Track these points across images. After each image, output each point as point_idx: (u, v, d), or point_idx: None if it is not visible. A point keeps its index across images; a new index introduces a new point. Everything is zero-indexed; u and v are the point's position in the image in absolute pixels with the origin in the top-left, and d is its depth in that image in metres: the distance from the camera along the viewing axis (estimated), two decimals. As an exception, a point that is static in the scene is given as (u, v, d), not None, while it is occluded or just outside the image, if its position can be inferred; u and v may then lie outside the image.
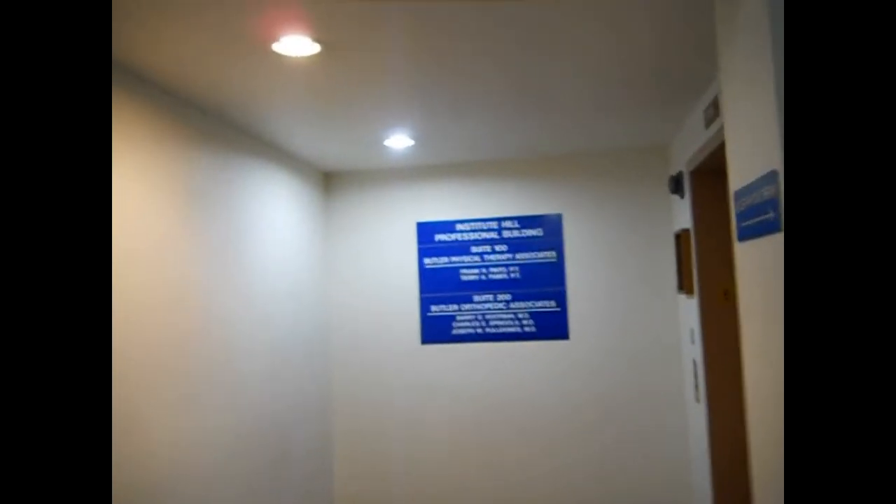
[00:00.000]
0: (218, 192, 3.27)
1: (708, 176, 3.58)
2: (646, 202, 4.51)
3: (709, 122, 3.14)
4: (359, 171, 4.84)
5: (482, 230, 4.68)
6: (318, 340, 4.55)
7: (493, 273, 4.65)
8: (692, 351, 3.95)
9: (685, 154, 3.83)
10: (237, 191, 3.47)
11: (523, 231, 4.63)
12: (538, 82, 2.96)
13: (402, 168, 4.78)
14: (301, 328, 4.24)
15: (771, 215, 1.47)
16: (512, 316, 4.61)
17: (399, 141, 3.95)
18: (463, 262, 4.68)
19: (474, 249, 4.68)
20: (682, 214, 4.05)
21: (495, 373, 4.59)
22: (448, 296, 4.68)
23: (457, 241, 4.70)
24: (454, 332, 4.66)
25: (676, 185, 3.97)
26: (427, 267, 4.72)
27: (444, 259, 4.70)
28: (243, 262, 3.49)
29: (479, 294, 4.65)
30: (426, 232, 4.74)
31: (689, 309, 3.98)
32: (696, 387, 3.86)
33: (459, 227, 4.71)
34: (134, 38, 2.27)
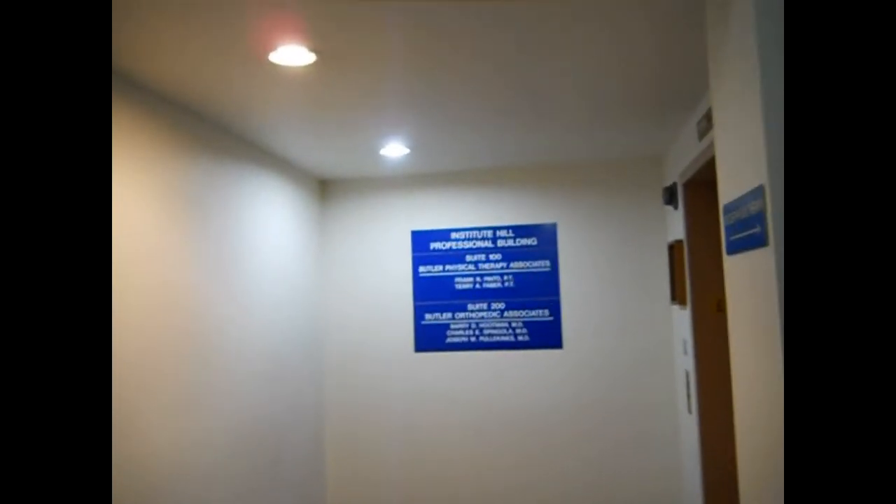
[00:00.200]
0: (215, 199, 3.28)
1: (701, 188, 3.61)
2: (640, 213, 4.53)
3: (702, 134, 3.16)
4: (354, 179, 4.85)
5: (477, 239, 4.70)
6: (313, 347, 4.56)
7: (487, 282, 4.66)
8: (685, 362, 3.96)
9: (679, 166, 3.85)
10: (234, 197, 3.49)
11: (518, 240, 4.65)
12: (534, 92, 2.98)
13: (398, 176, 4.79)
14: (296, 334, 4.25)
15: (758, 230, 1.49)
16: (506, 325, 4.62)
17: (395, 149, 3.97)
18: (457, 270, 4.70)
19: (469, 258, 4.69)
20: (675, 225, 4.08)
21: (489, 381, 4.60)
22: (442, 304, 4.69)
23: (451, 249, 4.71)
24: (448, 340, 4.66)
25: (670, 197, 3.99)
26: (421, 275, 4.73)
27: (439, 267, 4.72)
28: (240, 269, 3.50)
29: (473, 303, 4.66)
30: (421, 240, 4.75)
31: (681, 320, 4.00)
32: (689, 397, 3.87)
33: (454, 235, 4.72)
34: (132, 46, 2.29)
